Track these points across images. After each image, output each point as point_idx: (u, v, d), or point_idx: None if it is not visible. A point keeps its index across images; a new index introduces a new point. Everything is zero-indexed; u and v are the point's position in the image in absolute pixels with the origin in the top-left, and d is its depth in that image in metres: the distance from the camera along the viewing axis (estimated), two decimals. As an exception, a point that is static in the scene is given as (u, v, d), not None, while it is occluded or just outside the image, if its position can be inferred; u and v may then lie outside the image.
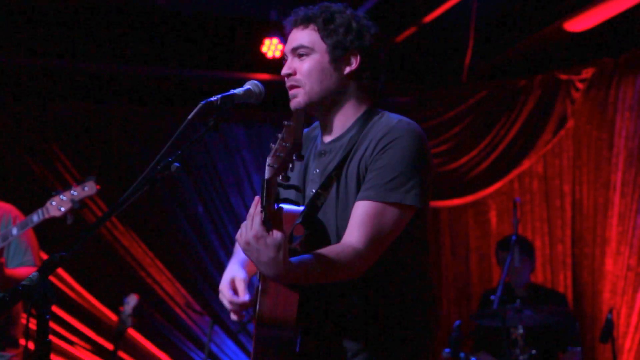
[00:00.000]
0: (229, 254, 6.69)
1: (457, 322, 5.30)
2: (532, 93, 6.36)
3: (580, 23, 5.67)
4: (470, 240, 6.81)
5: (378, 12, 6.00)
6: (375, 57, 2.39)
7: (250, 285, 2.36)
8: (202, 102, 2.21)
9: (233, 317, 2.36)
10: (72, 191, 3.73)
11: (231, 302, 2.32)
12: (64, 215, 3.74)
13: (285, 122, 1.94)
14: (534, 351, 4.89)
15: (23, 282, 1.89)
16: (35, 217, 3.78)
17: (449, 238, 6.91)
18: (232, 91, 2.31)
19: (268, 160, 2.00)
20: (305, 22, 2.38)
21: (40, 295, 1.88)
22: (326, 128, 2.42)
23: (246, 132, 6.82)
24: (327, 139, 2.42)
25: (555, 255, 6.32)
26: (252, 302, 2.31)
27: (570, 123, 6.24)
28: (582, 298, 6.17)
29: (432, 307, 2.36)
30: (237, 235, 2.12)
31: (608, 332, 4.79)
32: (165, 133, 6.16)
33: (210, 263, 6.60)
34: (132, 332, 6.13)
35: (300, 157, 1.99)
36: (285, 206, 2.22)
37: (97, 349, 6.19)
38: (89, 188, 3.75)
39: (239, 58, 6.32)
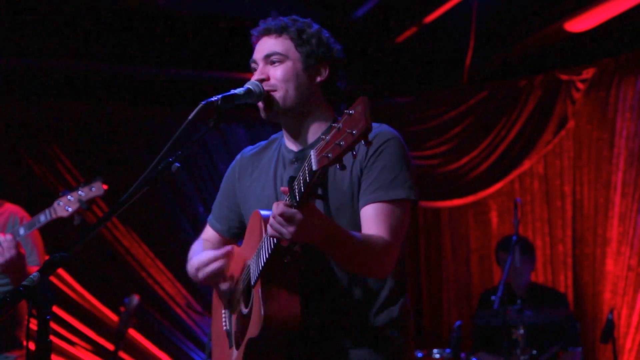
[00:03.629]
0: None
1: (457, 323, 5.30)
2: (532, 93, 6.36)
3: (580, 23, 5.67)
4: (470, 240, 6.81)
5: (378, 12, 6.01)
6: (341, 71, 2.46)
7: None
8: (203, 103, 2.23)
9: (224, 286, 2.40)
10: (79, 191, 3.71)
11: (217, 257, 2.34)
12: (72, 216, 3.73)
13: (348, 111, 1.86)
14: (534, 351, 4.89)
15: (24, 283, 1.89)
16: (43, 218, 3.77)
17: (450, 238, 6.90)
18: (232, 91, 2.32)
19: (316, 150, 1.92)
20: (278, 31, 2.42)
21: (40, 296, 1.88)
22: (296, 136, 2.44)
23: (246, 132, 6.82)
24: (297, 147, 2.44)
25: (555, 256, 6.31)
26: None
27: (570, 123, 6.24)
28: (583, 298, 6.17)
29: (406, 300, 2.40)
30: (271, 232, 2.08)
31: (609, 333, 4.79)
32: (166, 133, 6.16)
33: (211, 263, 6.59)
34: (132, 332, 6.13)
35: (369, 143, 1.87)
36: (263, 212, 2.25)
37: (97, 349, 6.19)
38: (96, 188, 3.74)
39: (239, 58, 6.31)
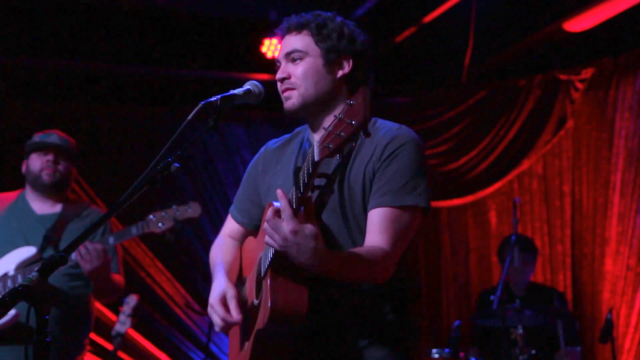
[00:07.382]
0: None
1: (456, 322, 5.30)
2: (531, 93, 6.36)
3: (580, 23, 5.67)
4: (469, 240, 6.81)
5: (378, 12, 6.01)
6: (366, 62, 2.44)
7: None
8: (202, 103, 2.23)
9: (219, 330, 2.40)
10: (174, 210, 3.72)
11: (224, 320, 2.35)
12: (163, 233, 3.73)
13: (349, 101, 1.91)
14: (533, 351, 4.88)
15: (22, 282, 1.89)
16: (134, 230, 3.76)
17: (449, 238, 6.90)
18: (232, 91, 2.33)
19: (319, 141, 1.96)
20: (298, 28, 2.42)
21: (39, 296, 1.88)
22: (318, 130, 2.42)
23: (246, 132, 6.82)
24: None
25: (554, 256, 6.31)
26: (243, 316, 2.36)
27: (569, 123, 6.25)
28: (582, 298, 6.17)
29: (418, 302, 2.41)
30: (266, 239, 2.13)
31: (608, 332, 4.78)
32: (165, 133, 6.15)
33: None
34: (131, 332, 6.12)
35: (368, 134, 1.93)
36: (276, 203, 2.24)
37: (96, 349, 6.18)
38: (193, 210, 3.74)
39: (238, 58, 6.32)
